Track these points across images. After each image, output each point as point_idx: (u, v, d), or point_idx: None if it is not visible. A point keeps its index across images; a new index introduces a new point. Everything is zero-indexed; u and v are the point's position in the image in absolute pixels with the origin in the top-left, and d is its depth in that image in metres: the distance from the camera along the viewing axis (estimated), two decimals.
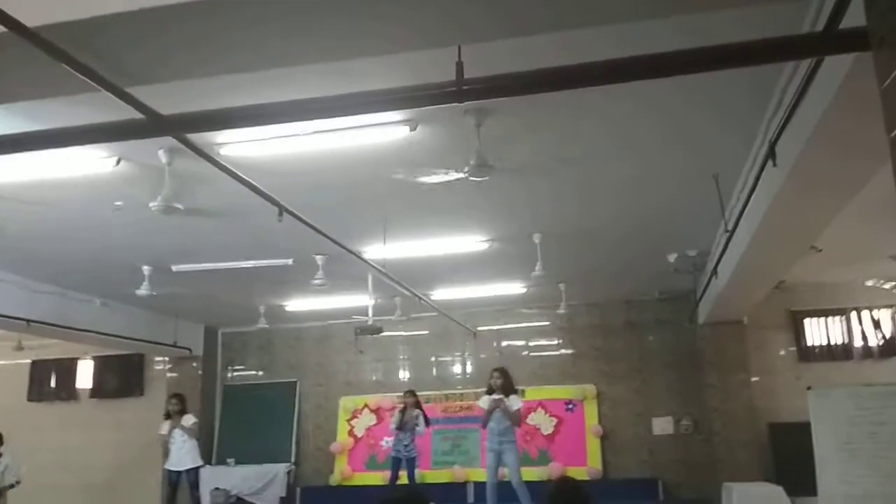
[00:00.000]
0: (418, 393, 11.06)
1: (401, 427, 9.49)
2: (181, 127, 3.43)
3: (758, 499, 8.44)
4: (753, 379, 10.24)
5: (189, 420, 8.39)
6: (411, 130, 4.68)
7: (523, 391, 10.70)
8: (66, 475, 11.93)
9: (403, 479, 9.50)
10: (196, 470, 8.30)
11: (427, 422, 9.68)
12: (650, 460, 10.64)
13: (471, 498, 10.58)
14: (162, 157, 4.87)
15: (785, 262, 7.09)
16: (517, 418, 7.63)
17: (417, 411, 9.54)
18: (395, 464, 9.55)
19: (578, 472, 9.91)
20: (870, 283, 10.27)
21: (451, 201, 6.25)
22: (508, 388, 7.77)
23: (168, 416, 8.47)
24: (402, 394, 10.05)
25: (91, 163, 5.05)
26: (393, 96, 3.02)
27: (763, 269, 7.21)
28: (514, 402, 7.72)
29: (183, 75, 3.15)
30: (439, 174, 5.07)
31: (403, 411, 9.53)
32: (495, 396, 7.72)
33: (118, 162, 5.03)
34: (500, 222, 7.11)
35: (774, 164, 4.20)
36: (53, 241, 7.07)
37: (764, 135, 4.74)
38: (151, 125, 3.16)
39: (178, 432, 8.33)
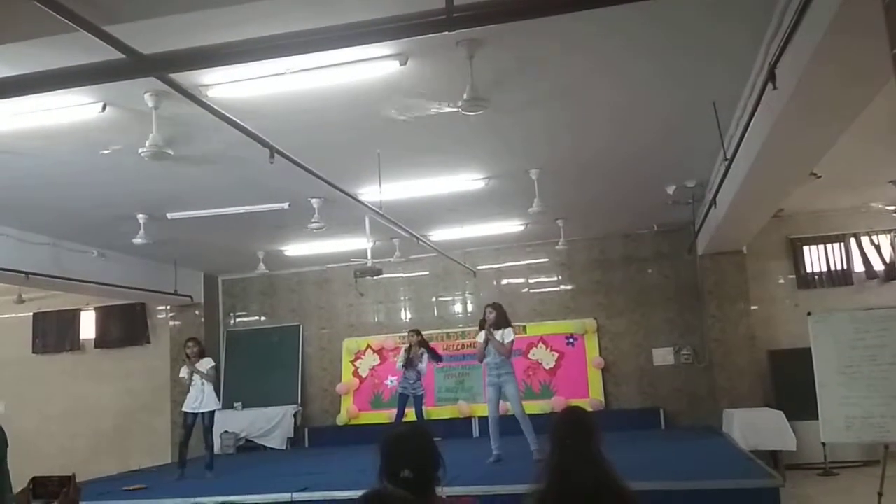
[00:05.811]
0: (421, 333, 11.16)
1: (407, 365, 9.56)
2: (164, 66, 3.31)
3: (759, 423, 8.58)
4: (753, 307, 10.30)
5: (205, 364, 8.43)
6: (401, 65, 4.55)
7: (524, 327, 10.80)
8: (76, 423, 12.15)
9: (411, 415, 9.62)
10: (211, 414, 8.40)
11: (438, 357, 9.74)
12: (651, 391, 10.79)
13: (476, 432, 10.78)
14: (148, 100, 4.75)
15: (784, 189, 7.04)
16: (505, 350, 7.67)
17: (422, 349, 9.59)
18: (402, 400, 9.63)
19: (581, 405, 9.99)
20: (875, 204, 10.11)
21: (446, 139, 6.16)
22: (501, 322, 7.80)
23: (188, 357, 8.49)
24: (406, 333, 10.10)
25: (76, 110, 4.93)
26: (380, 26, 2.92)
27: (762, 197, 7.16)
28: (507, 335, 7.74)
29: (162, 11, 3.04)
30: (433, 107, 4.99)
31: (409, 350, 9.59)
32: (485, 331, 7.77)
33: (104, 108, 4.92)
34: (495, 159, 7.01)
35: (775, 87, 4.11)
36: (45, 191, 6.98)
37: (763, 59, 4.64)
38: (133, 65, 3.06)
39: (197, 376, 8.39)
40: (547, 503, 2.73)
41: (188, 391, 8.45)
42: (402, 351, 9.72)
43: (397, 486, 2.33)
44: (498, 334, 7.69)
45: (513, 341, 7.81)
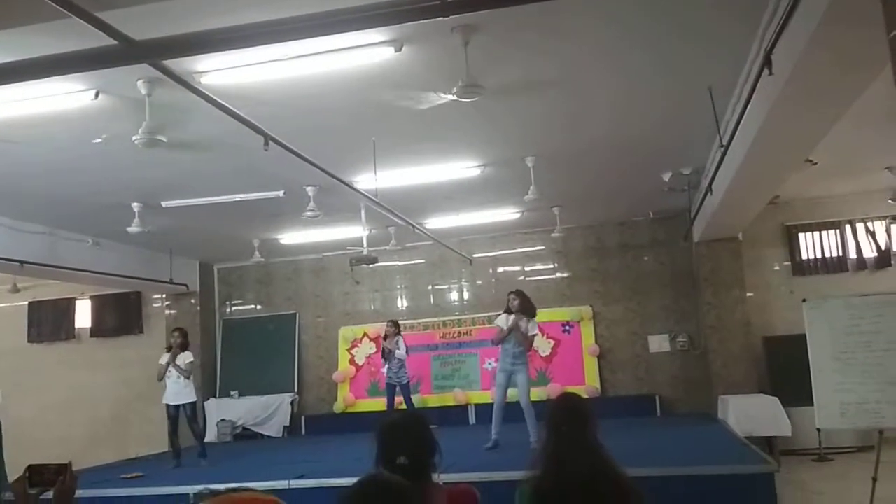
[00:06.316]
0: (418, 320, 11.22)
1: (386, 357, 9.74)
2: (156, 52, 3.29)
3: (754, 409, 8.61)
4: (748, 294, 10.32)
5: (184, 359, 8.42)
6: (396, 51, 4.53)
7: None
8: (73, 413, 12.13)
9: (403, 405, 9.70)
10: (191, 405, 8.45)
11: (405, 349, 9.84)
12: (647, 377, 10.82)
13: (472, 419, 10.81)
14: (141, 88, 4.72)
15: (780, 176, 7.03)
16: (528, 342, 7.71)
17: (397, 338, 9.70)
18: (390, 390, 9.82)
19: (577, 392, 10.01)
20: (872, 191, 10.08)
21: (441, 127, 6.13)
22: (527, 310, 7.80)
23: (170, 348, 8.54)
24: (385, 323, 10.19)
25: (68, 97, 4.90)
26: (374, 12, 2.89)
27: (758, 183, 7.15)
28: (532, 328, 7.77)
29: None
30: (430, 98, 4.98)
31: (385, 339, 9.72)
32: (514, 316, 7.74)
33: (97, 95, 4.89)
34: (491, 147, 6.99)
35: (771, 73, 4.09)
36: (38, 179, 6.94)
37: (759, 45, 4.62)
38: (125, 52, 3.03)
39: (173, 368, 8.41)
40: (543, 490, 2.73)
41: (161, 379, 8.49)
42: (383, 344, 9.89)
43: (394, 472, 2.33)
44: (522, 324, 7.71)
45: (535, 335, 7.87)
